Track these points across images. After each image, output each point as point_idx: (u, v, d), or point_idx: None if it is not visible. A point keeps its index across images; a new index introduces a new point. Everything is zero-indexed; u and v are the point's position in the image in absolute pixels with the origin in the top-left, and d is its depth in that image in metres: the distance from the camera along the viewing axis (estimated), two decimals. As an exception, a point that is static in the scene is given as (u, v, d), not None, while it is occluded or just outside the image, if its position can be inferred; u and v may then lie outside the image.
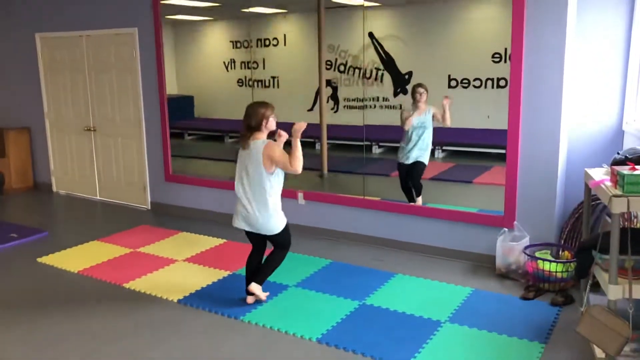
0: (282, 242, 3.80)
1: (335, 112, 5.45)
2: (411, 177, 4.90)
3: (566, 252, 4.19)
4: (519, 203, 4.30)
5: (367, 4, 5.05)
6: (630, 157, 3.08)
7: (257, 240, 3.85)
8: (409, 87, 4.92)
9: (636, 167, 2.82)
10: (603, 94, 4.26)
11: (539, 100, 4.11)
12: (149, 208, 6.51)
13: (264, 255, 3.91)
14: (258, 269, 3.86)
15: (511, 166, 4.27)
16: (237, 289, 4.13)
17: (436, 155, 5.12)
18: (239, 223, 3.76)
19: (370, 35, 5.04)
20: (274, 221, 3.69)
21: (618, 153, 3.22)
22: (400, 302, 3.86)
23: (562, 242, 4.32)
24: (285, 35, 5.50)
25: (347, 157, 5.56)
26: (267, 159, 3.55)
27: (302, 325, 3.55)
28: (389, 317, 3.65)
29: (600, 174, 3.22)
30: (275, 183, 3.65)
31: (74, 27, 6.60)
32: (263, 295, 3.86)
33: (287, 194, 5.40)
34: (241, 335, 3.47)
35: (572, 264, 3.94)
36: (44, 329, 3.60)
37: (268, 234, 3.72)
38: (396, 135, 4.95)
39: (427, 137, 4.78)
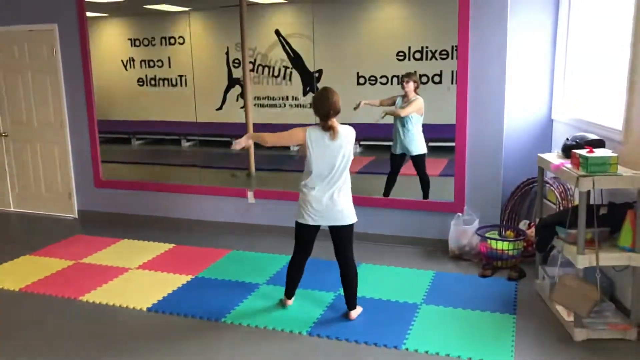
0: (350, 236, 3.54)
1: (244, 110, 5.41)
2: (417, 172, 4.91)
3: (509, 231, 4.59)
4: (467, 189, 4.64)
5: (273, 1, 5.11)
6: (580, 142, 3.47)
7: (311, 240, 3.63)
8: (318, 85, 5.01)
9: (593, 149, 3.20)
10: (533, 87, 4.73)
11: (483, 94, 4.46)
12: (77, 217, 6.09)
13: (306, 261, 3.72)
14: (345, 289, 3.61)
15: (460, 156, 4.60)
16: (207, 292, 4.04)
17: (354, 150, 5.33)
18: (314, 219, 3.46)
19: (277, 32, 5.11)
20: (352, 209, 3.52)
21: (567, 139, 3.61)
22: (373, 289, 4.02)
23: (504, 222, 4.74)
24: (190, 33, 5.41)
25: (269, 155, 5.54)
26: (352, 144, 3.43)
27: (288, 321, 3.57)
28: (367, 304, 3.78)
29: (554, 158, 3.60)
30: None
31: (-24, 22, 5.98)
32: (359, 309, 3.67)
33: (236, 192, 5.38)
34: (229, 337, 3.41)
35: (520, 242, 4.34)
36: (6, 356, 3.27)
37: (347, 223, 3.47)
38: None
39: (415, 126, 4.78)
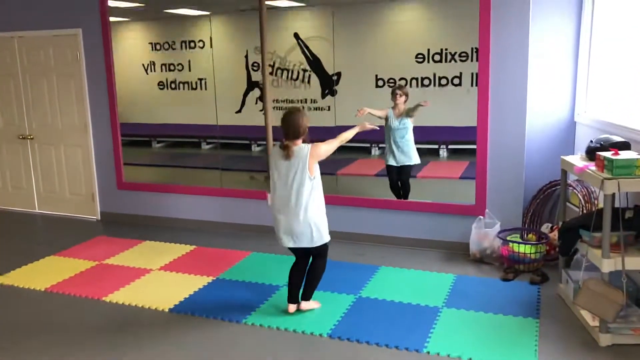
0: (321, 253, 3.63)
1: (263, 113, 5.42)
2: (400, 181, 4.97)
3: (531, 235, 4.54)
4: (488, 192, 4.60)
5: (292, 4, 5.14)
6: (604, 144, 3.42)
7: (300, 256, 3.70)
8: (337, 88, 5.03)
9: (619, 152, 3.15)
10: (555, 88, 4.68)
11: (505, 96, 4.43)
12: (99, 218, 6.18)
13: (306, 266, 3.73)
14: (305, 282, 3.71)
15: (481, 159, 4.56)
16: (228, 293, 4.08)
17: (373, 153, 5.32)
18: (287, 240, 3.55)
19: (296, 36, 5.12)
20: (318, 233, 3.51)
21: (591, 141, 3.56)
22: (393, 292, 4.01)
23: (526, 225, 4.69)
24: (210, 37, 5.45)
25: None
26: (313, 159, 3.43)
27: (309, 323, 3.58)
28: (388, 307, 3.77)
29: (578, 161, 3.55)
30: (318, 190, 3.52)
31: (3, 28, 6.11)
32: (316, 305, 3.77)
33: (256, 195, 5.41)
34: (250, 338, 3.44)
35: (542, 245, 4.30)
36: (35, 354, 3.34)
37: (310, 246, 3.53)
38: (329, 136, 5.05)
39: (410, 138, 4.85)
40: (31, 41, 6.07)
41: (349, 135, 3.70)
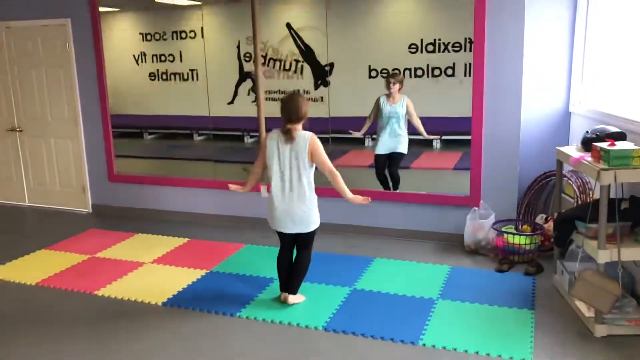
0: (309, 240, 3.65)
1: (256, 104, 5.37)
2: (389, 168, 4.97)
3: (526, 226, 4.53)
4: (483, 183, 4.59)
5: None
6: (600, 134, 3.41)
7: (287, 240, 3.71)
8: (330, 79, 4.98)
9: (615, 142, 3.13)
10: (550, 78, 4.65)
11: (500, 86, 4.40)
12: (90, 211, 6.12)
13: (293, 253, 3.76)
14: (290, 274, 3.70)
15: (475, 149, 4.54)
16: (222, 286, 4.04)
17: (366, 144, 5.28)
18: (283, 225, 3.57)
19: (288, 26, 5.06)
20: (313, 217, 3.57)
21: (587, 132, 3.54)
22: (388, 284, 3.99)
23: (521, 216, 4.68)
24: (202, 27, 5.38)
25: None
26: (311, 152, 3.46)
27: (304, 315, 3.56)
28: (383, 299, 3.76)
29: (573, 151, 3.54)
30: (312, 176, 3.56)
31: (-11, 18, 6.02)
32: (301, 299, 3.75)
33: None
34: (245, 332, 3.41)
35: (537, 236, 4.29)
36: (27, 349, 3.29)
37: (304, 231, 3.56)
38: (323, 127, 5.04)
39: (402, 126, 4.82)
40: (19, 31, 5.96)
41: (339, 184, 3.59)
